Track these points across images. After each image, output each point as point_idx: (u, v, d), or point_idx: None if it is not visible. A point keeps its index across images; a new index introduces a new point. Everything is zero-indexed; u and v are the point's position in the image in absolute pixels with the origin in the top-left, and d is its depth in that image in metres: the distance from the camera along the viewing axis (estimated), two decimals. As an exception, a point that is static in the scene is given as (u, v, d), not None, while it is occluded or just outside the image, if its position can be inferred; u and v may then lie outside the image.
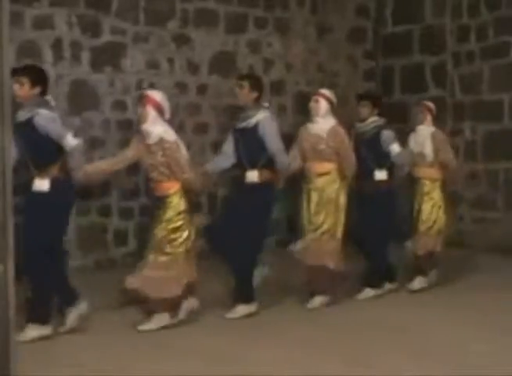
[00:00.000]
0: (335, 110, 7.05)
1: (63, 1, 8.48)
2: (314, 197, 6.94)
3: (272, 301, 6.93)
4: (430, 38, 10.47)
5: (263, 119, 6.54)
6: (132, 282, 5.95)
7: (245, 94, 6.58)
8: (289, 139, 10.22)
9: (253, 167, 6.52)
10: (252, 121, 6.54)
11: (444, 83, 10.32)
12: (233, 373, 5.00)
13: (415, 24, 10.65)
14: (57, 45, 8.49)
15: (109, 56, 8.85)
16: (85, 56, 8.69)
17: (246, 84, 6.58)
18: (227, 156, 6.77)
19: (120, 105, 8.92)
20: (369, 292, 7.25)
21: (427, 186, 7.63)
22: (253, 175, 6.52)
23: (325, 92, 7.12)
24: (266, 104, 6.77)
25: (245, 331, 6.06)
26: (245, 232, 6.43)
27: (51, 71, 8.39)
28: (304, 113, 10.43)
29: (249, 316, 6.49)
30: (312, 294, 6.88)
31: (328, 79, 10.71)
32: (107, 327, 6.10)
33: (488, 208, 9.79)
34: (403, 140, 7.58)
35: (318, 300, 6.84)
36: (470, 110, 9.98)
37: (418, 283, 7.56)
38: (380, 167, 7.31)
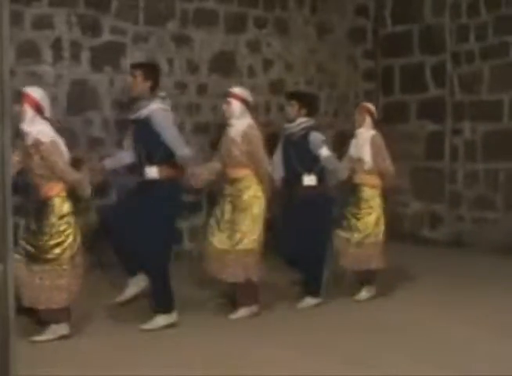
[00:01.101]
0: (251, 110, 6.63)
1: (62, 1, 8.47)
2: (227, 204, 6.49)
3: (271, 301, 6.93)
4: (429, 38, 10.48)
5: (155, 110, 6.04)
6: (23, 292, 5.48)
7: (138, 83, 6.15)
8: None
9: (151, 162, 6.07)
10: (144, 112, 6.06)
11: (443, 83, 10.32)
12: (232, 373, 5.00)
13: (414, 24, 10.66)
14: (57, 45, 8.48)
15: (108, 56, 8.84)
16: (85, 56, 8.69)
17: (139, 73, 6.16)
18: (127, 150, 6.37)
19: (119, 105, 8.91)
20: (309, 301, 6.87)
21: (365, 193, 7.21)
22: (152, 171, 6.07)
23: (237, 91, 6.59)
24: (162, 94, 6.24)
25: (244, 332, 6.06)
26: (146, 232, 5.92)
27: (50, 71, 8.42)
28: (303, 113, 10.46)
29: (251, 316, 6.50)
30: (237, 306, 6.51)
31: (328, 79, 10.72)
32: (106, 328, 6.11)
33: (488, 208, 9.79)
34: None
35: (242, 312, 6.46)
36: (470, 110, 9.99)
37: (365, 293, 7.18)
38: (309, 171, 6.84)
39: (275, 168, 6.95)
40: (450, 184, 10.28)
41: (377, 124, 7.41)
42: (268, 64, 10.16)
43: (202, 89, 9.55)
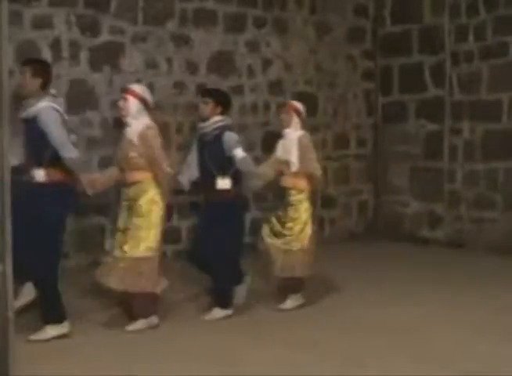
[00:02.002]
0: (150, 110, 6.25)
1: (61, 1, 8.47)
2: (125, 210, 6.13)
3: (269, 301, 6.94)
4: (428, 38, 10.48)
5: (43, 108, 5.72)
6: None
7: (27, 81, 5.84)
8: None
9: (38, 164, 5.74)
10: (32, 111, 5.75)
11: (443, 83, 10.32)
12: (231, 373, 5.01)
13: (413, 24, 10.66)
14: (56, 45, 8.48)
15: (107, 56, 8.84)
16: (84, 56, 8.68)
17: (28, 69, 5.87)
18: (16, 151, 5.84)
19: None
20: (218, 313, 6.50)
21: (292, 197, 6.82)
22: (39, 174, 5.74)
23: (136, 88, 6.25)
24: (53, 91, 5.94)
25: (242, 331, 6.06)
26: (32, 239, 5.57)
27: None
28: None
29: (247, 315, 6.50)
30: (133, 318, 6.14)
31: (327, 79, 10.73)
32: (106, 326, 6.11)
33: (487, 208, 9.79)
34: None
35: (138, 324, 6.08)
36: (469, 110, 9.99)
37: (290, 302, 6.85)
38: (223, 174, 6.45)
39: (188, 169, 6.67)
40: (449, 184, 10.28)
41: (305, 124, 7.04)
42: (267, 64, 10.16)
43: (201, 89, 9.53)
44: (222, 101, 6.64)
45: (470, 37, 9.93)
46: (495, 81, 9.68)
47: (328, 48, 10.75)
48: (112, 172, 6.35)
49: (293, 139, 6.85)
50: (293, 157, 6.81)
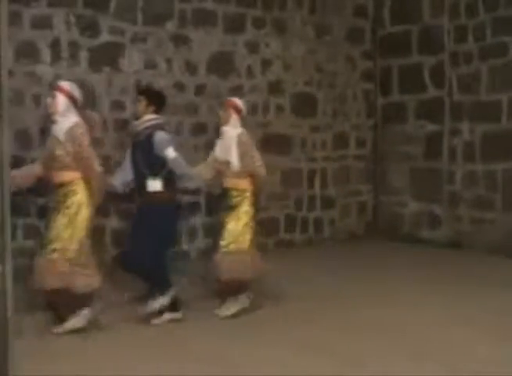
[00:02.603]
0: (78, 108, 6.10)
1: (61, 2, 8.46)
2: (53, 211, 6.04)
3: (268, 301, 6.94)
4: (428, 39, 10.48)
5: None
6: None
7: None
8: (286, 140, 10.30)
9: None
10: None
11: (442, 83, 10.32)
12: (230, 373, 5.01)
13: (413, 24, 10.66)
14: (55, 45, 8.47)
15: (107, 56, 8.83)
16: (83, 56, 8.67)
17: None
18: None
19: (118, 105, 8.91)
20: (165, 316, 6.33)
21: (233, 198, 6.61)
22: None
23: (65, 85, 6.13)
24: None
25: (241, 331, 6.06)
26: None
27: (49, 71, 8.41)
28: (302, 113, 10.49)
29: (245, 315, 6.49)
30: (61, 319, 6.01)
31: (326, 79, 10.73)
32: (106, 326, 6.11)
33: (487, 209, 9.79)
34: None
35: (68, 324, 5.96)
36: (469, 111, 9.99)
37: (227, 308, 6.62)
38: (155, 175, 6.24)
39: (122, 171, 6.52)
40: (449, 184, 10.28)
41: (244, 121, 6.87)
42: (266, 65, 10.16)
43: (200, 90, 9.54)
44: (155, 100, 6.46)
45: (470, 38, 9.93)
46: (494, 82, 9.68)
47: (327, 48, 10.75)
48: (32, 169, 6.23)
49: (231, 137, 6.65)
50: (233, 157, 6.60)
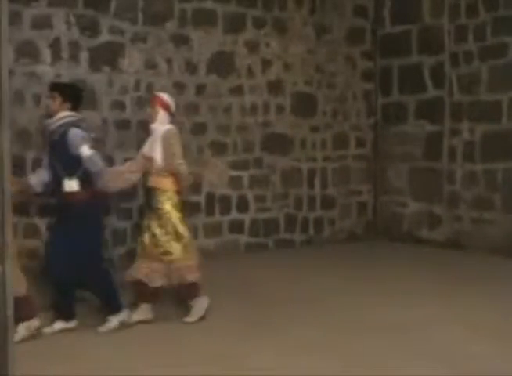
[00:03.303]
0: None
1: (61, 1, 8.47)
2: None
3: (268, 301, 6.93)
4: (428, 39, 10.48)
5: None
6: None
7: None
8: (286, 140, 10.31)
9: None
10: None
11: (442, 83, 10.32)
12: (232, 373, 5.01)
13: (413, 24, 10.66)
14: (55, 45, 8.48)
15: (107, 56, 8.84)
16: (84, 56, 8.68)
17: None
18: None
19: (118, 105, 8.92)
20: (112, 322, 6.09)
21: (157, 198, 6.30)
22: None
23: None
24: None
25: (244, 332, 6.06)
26: None
27: (49, 71, 8.41)
28: (302, 113, 10.49)
29: (248, 316, 6.50)
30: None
31: (326, 79, 10.73)
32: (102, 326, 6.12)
33: (486, 209, 9.79)
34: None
35: (21, 329, 5.69)
36: (469, 111, 9.99)
37: (139, 313, 6.33)
38: (70, 175, 5.92)
39: (41, 170, 6.24)
40: (448, 184, 10.28)
41: (174, 118, 6.62)
42: (266, 64, 10.16)
43: (200, 89, 9.55)
44: (71, 96, 6.12)
45: (470, 38, 9.92)
46: (494, 82, 9.68)
47: (327, 48, 10.75)
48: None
49: (158, 134, 6.36)
50: (157, 154, 6.30)
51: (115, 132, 8.91)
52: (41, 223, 8.28)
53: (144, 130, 9.01)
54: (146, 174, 6.47)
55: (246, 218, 10.00)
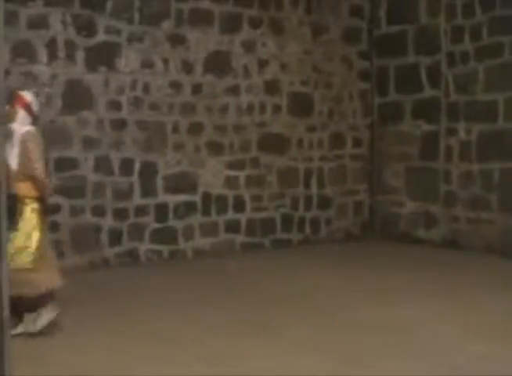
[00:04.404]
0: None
1: (57, 1, 8.47)
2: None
3: (265, 301, 6.93)
4: (424, 39, 10.48)
5: None
6: None
7: None
8: (283, 139, 10.31)
9: None
10: None
11: (438, 83, 10.33)
12: (230, 373, 5.01)
13: (409, 24, 10.67)
14: (52, 45, 8.48)
15: (103, 56, 8.84)
16: (80, 56, 8.68)
17: None
18: None
19: (114, 105, 8.92)
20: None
21: (18, 204, 5.79)
22: None
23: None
24: None
25: (242, 331, 6.06)
26: None
27: (45, 71, 8.42)
28: (299, 113, 10.50)
29: (245, 316, 6.50)
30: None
31: (323, 79, 10.73)
32: (97, 327, 6.11)
33: (483, 209, 9.80)
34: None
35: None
36: (465, 111, 9.99)
37: (28, 324, 5.90)
38: None
39: None
40: (445, 184, 10.29)
41: (35, 119, 6.13)
42: (263, 64, 10.16)
43: (197, 89, 9.55)
44: None
45: (466, 38, 9.93)
46: (490, 82, 9.68)
47: (324, 48, 10.75)
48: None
49: (17, 136, 5.87)
50: (12, 157, 5.83)
51: (111, 132, 8.91)
52: None
53: (141, 130, 9.08)
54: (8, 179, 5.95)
55: (243, 217, 10.01)
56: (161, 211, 9.27)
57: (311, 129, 10.64)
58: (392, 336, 5.85)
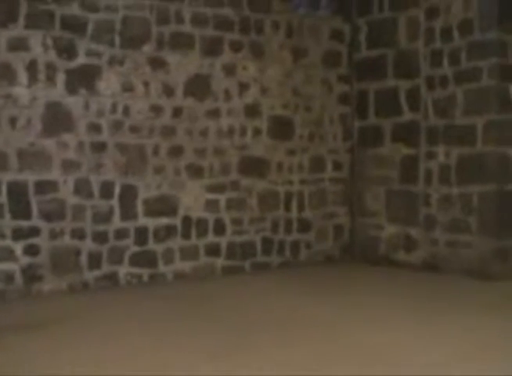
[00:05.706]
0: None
1: (38, 24, 8.46)
2: None
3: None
4: (404, 63, 10.57)
5: None
6: None
7: None
8: (263, 163, 10.33)
9: None
10: None
11: (418, 107, 10.40)
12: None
13: (389, 49, 10.75)
14: (32, 67, 8.46)
15: (84, 79, 8.84)
16: (60, 78, 8.67)
17: None
18: None
19: (94, 128, 8.90)
20: None
21: None
22: None
23: None
24: None
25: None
26: None
27: (25, 93, 8.40)
28: (279, 136, 10.53)
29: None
30: None
31: (303, 102, 10.77)
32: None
33: (462, 232, 9.84)
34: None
35: None
36: (444, 134, 10.06)
37: None
38: None
39: None
40: (424, 207, 10.34)
41: None
42: (243, 88, 10.19)
43: (177, 112, 9.55)
44: None
45: (445, 62, 10.02)
46: (469, 106, 9.76)
47: (304, 71, 10.81)
48: None
49: None
50: None
51: (91, 155, 8.88)
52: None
53: (121, 153, 9.06)
54: None
55: (223, 241, 9.99)
56: (141, 235, 9.25)
57: (292, 153, 10.67)
58: (368, 361, 5.83)
